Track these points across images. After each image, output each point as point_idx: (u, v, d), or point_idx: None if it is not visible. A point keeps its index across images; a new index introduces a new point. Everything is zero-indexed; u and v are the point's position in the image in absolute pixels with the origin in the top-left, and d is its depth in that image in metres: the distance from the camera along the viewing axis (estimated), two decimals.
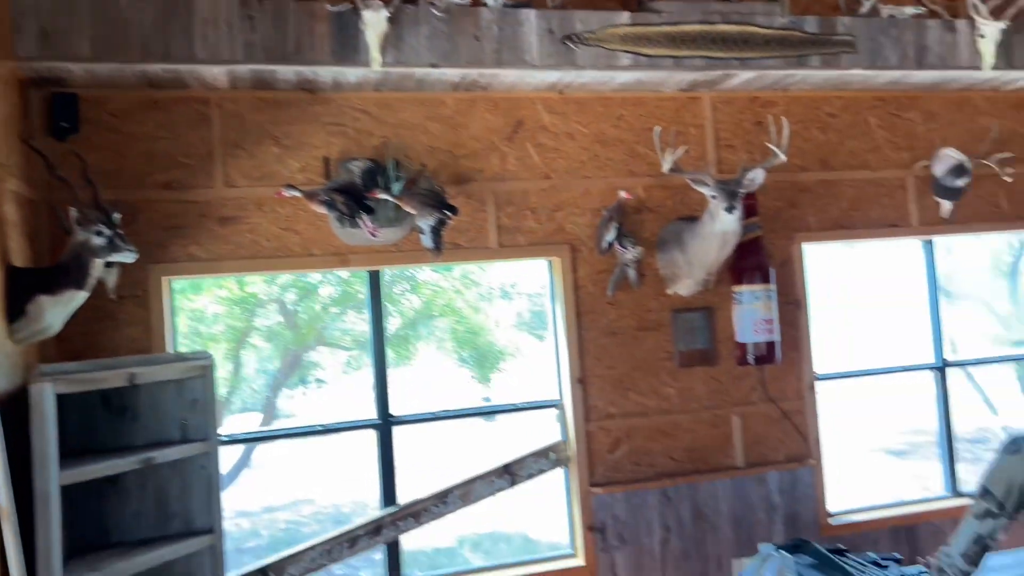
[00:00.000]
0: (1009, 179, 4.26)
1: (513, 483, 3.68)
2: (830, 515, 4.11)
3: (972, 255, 4.91)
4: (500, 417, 5.58)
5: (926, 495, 4.42)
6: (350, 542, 3.46)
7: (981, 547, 2.26)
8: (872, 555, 2.87)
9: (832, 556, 2.46)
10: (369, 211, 3.34)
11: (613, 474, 3.84)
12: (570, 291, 3.83)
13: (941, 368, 4.43)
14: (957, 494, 4.36)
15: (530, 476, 3.73)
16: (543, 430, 3.95)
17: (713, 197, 3.46)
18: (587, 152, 3.88)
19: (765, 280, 3.90)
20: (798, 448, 4.08)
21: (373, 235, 3.37)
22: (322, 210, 3.34)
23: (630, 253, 3.76)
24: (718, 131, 4.05)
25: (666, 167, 3.55)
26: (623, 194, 3.77)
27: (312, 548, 3.41)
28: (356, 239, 3.51)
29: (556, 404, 3.89)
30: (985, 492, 2.25)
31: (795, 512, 4.01)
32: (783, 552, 2.23)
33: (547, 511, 4.23)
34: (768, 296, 3.89)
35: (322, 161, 3.54)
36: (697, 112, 4.03)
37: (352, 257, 3.58)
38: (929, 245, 4.46)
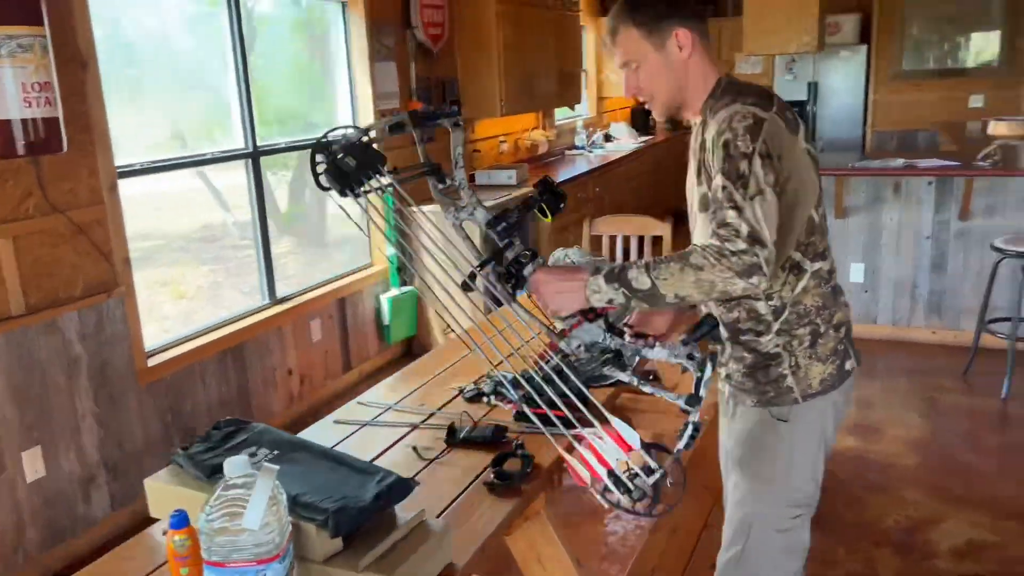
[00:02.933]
0: None
1: None
2: (148, 355, 3.12)
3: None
4: None
5: (244, 308, 3.75)
6: None
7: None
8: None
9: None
10: None
11: None
12: None
13: (254, 155, 3.71)
14: (276, 300, 3.84)
15: None
16: None
17: None
18: None
19: (34, 20, 2.44)
20: (102, 273, 2.89)
21: None
22: None
23: None
24: None
25: None
26: None
27: None
28: None
29: None
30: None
31: (105, 361, 2.89)
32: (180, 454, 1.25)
33: None
34: (42, 47, 2.46)
35: None
36: None
37: None
38: (236, 3, 3.55)
